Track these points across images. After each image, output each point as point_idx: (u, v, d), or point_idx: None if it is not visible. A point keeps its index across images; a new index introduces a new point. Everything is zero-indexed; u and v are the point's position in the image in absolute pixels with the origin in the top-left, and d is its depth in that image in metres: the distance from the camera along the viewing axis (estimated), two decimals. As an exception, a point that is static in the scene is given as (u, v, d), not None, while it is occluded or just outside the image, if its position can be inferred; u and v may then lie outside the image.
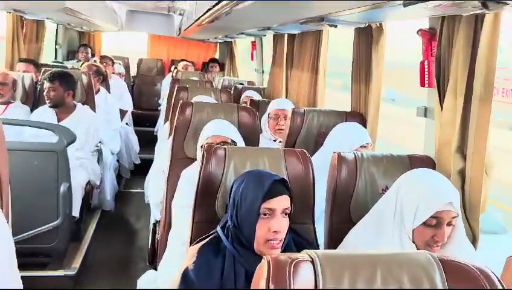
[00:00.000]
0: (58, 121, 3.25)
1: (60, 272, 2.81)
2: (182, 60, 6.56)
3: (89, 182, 3.24)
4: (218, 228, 1.35)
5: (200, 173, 1.43)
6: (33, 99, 3.57)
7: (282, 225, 1.27)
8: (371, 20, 1.84)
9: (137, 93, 6.99)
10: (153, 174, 2.67)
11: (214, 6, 2.34)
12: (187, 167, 2.00)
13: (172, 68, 6.48)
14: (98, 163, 3.51)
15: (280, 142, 2.70)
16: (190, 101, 2.92)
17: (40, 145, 2.65)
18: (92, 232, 3.52)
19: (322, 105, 2.82)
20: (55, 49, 6.48)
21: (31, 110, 3.47)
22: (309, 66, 2.87)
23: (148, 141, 5.61)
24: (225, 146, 1.50)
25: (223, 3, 2.13)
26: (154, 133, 5.71)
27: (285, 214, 1.30)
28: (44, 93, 3.19)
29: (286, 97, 3.47)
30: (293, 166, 1.49)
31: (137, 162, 4.96)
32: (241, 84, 4.69)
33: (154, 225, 2.55)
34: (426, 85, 1.68)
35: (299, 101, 3.02)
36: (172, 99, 2.92)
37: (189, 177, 1.87)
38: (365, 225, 1.39)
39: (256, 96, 3.67)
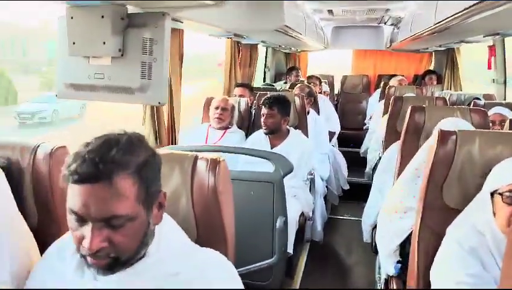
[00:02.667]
0: (272, 147, 3.10)
1: (276, 310, 2.57)
2: (393, 75, 5.93)
3: (302, 214, 2.96)
4: None
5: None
6: (248, 123, 3.54)
7: None
8: None
9: (341, 112, 6.67)
10: (384, 217, 2.17)
11: (466, 9, 1.73)
12: (449, 220, 1.44)
13: (381, 84, 5.91)
14: (310, 191, 3.22)
15: None
16: (426, 125, 2.36)
17: (256, 175, 2.47)
18: (303, 266, 3.25)
19: None
20: (264, 72, 6.71)
21: (246, 135, 3.43)
22: None
23: (353, 163, 5.20)
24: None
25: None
26: (361, 155, 5.27)
27: None
28: (262, 119, 3.07)
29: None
30: None
31: (346, 187, 4.56)
32: (477, 98, 3.82)
33: (387, 280, 2.05)
34: None
35: None
36: (405, 123, 2.38)
37: (462, 242, 1.31)
38: None
39: (509, 116, 2.81)
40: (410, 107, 2.38)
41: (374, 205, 2.91)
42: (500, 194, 1.30)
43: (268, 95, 3.16)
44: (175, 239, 1.04)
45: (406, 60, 6.79)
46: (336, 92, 7.08)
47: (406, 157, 2.38)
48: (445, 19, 2.13)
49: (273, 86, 5.85)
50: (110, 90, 1.47)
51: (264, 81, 6.72)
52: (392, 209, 2.15)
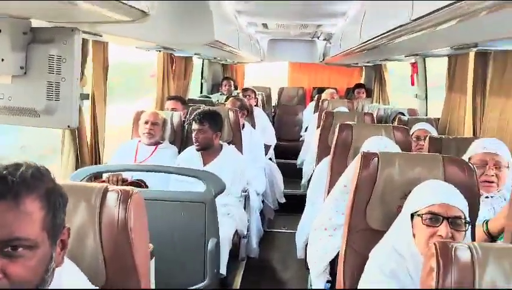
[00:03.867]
0: (204, 164, 3.01)
1: (206, 336, 2.47)
2: (326, 88, 6.10)
3: (236, 232, 2.90)
4: None
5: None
6: (181, 139, 3.43)
7: None
8: None
9: (278, 124, 6.75)
10: (314, 234, 2.17)
11: (391, 31, 1.78)
12: (372, 242, 1.45)
13: (315, 97, 6.05)
14: (245, 208, 3.16)
15: (489, 197, 1.96)
16: (353, 142, 2.40)
17: (186, 195, 2.38)
18: (238, 285, 3.18)
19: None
20: (201, 84, 6.62)
21: (180, 151, 3.32)
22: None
23: (290, 175, 5.25)
24: (470, 244, 0.90)
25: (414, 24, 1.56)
26: (297, 167, 5.32)
27: None
28: (193, 135, 2.98)
29: (474, 132, 2.69)
30: None
31: (282, 200, 4.56)
32: (402, 113, 4.00)
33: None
34: None
35: (503, 139, 2.24)
36: (334, 140, 2.41)
37: (383, 267, 1.32)
38: None
39: (432, 131, 2.95)
40: (338, 125, 2.42)
41: (307, 220, 2.91)
42: (420, 215, 1.32)
43: (199, 110, 3.08)
44: (77, 286, 0.94)
45: (338, 73, 7.02)
46: (273, 104, 7.15)
47: (335, 173, 2.41)
48: (369, 40, 2.19)
49: (209, 97, 5.78)
50: (11, 112, 1.31)
51: (201, 92, 6.63)
52: (322, 226, 2.15)
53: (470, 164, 1.46)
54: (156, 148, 3.21)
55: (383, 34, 1.82)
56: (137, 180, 2.83)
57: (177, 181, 2.86)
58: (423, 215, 1.31)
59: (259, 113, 5.00)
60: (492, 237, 1.68)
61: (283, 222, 4.72)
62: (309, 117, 6.11)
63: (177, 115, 3.46)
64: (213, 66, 6.76)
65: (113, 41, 2.43)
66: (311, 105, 6.46)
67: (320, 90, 6.13)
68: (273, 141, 4.89)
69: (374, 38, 2.08)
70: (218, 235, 2.38)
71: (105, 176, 2.76)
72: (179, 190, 2.78)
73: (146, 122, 3.17)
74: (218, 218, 2.49)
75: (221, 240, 2.54)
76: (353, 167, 2.01)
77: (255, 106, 5.16)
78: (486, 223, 1.73)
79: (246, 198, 3.18)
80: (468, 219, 1.31)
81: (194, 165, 3.00)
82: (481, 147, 2.01)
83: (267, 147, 4.62)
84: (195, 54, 3.67)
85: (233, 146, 3.17)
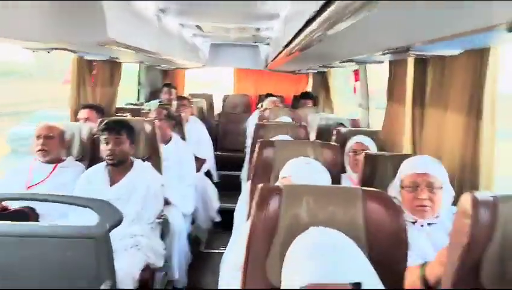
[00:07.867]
0: (111, 183, 2.57)
1: None
2: (269, 95, 5.77)
3: (148, 266, 2.46)
4: None
5: None
6: (91, 154, 2.96)
7: None
8: None
9: (222, 133, 6.36)
10: (227, 271, 1.79)
11: (314, 29, 1.46)
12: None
13: (259, 105, 5.72)
14: (162, 237, 2.73)
15: (424, 225, 1.70)
16: (276, 161, 2.05)
17: (73, 230, 1.92)
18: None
19: (491, 166, 1.74)
20: (138, 90, 6.12)
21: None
22: (461, 105, 1.82)
23: (232, 188, 4.86)
24: None
25: (324, 20, 1.24)
26: (240, 179, 4.95)
27: None
28: (108, 147, 2.53)
29: (414, 148, 2.41)
30: None
31: (217, 219, 4.16)
32: (341, 124, 3.71)
33: None
34: None
35: (441, 158, 1.96)
36: (254, 159, 2.05)
37: None
38: None
39: (370, 145, 2.66)
40: (258, 142, 2.05)
41: (228, 254, 2.52)
42: None
43: (114, 119, 2.67)
44: None
45: (285, 80, 6.72)
46: (217, 112, 6.76)
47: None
48: (290, 41, 1.85)
49: (143, 104, 5.29)
50: None
51: (138, 99, 6.12)
52: (236, 266, 1.78)
53: (395, 204, 1.12)
54: (55, 167, 2.73)
55: (296, 34, 1.48)
56: (23, 207, 2.35)
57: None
58: None
59: (194, 123, 4.59)
60: (428, 287, 1.36)
61: (222, 242, 4.32)
62: (253, 126, 5.76)
63: (87, 126, 2.98)
64: (151, 71, 6.28)
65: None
66: (255, 114, 6.13)
67: (265, 98, 5.79)
68: (209, 155, 4.47)
69: (293, 40, 1.74)
70: (113, 277, 1.94)
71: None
72: (74, 220, 2.35)
73: (38, 137, 2.68)
74: (119, 253, 2.07)
75: (123, 279, 2.13)
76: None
77: (191, 115, 4.74)
78: (424, 266, 1.41)
79: (164, 224, 2.75)
80: None
81: (99, 184, 2.56)
82: (411, 167, 1.75)
83: (201, 161, 4.21)
84: (111, 58, 3.20)
85: (149, 163, 2.74)
